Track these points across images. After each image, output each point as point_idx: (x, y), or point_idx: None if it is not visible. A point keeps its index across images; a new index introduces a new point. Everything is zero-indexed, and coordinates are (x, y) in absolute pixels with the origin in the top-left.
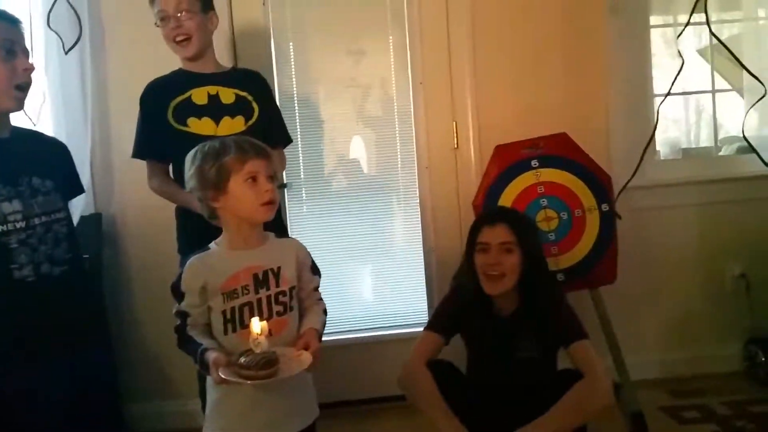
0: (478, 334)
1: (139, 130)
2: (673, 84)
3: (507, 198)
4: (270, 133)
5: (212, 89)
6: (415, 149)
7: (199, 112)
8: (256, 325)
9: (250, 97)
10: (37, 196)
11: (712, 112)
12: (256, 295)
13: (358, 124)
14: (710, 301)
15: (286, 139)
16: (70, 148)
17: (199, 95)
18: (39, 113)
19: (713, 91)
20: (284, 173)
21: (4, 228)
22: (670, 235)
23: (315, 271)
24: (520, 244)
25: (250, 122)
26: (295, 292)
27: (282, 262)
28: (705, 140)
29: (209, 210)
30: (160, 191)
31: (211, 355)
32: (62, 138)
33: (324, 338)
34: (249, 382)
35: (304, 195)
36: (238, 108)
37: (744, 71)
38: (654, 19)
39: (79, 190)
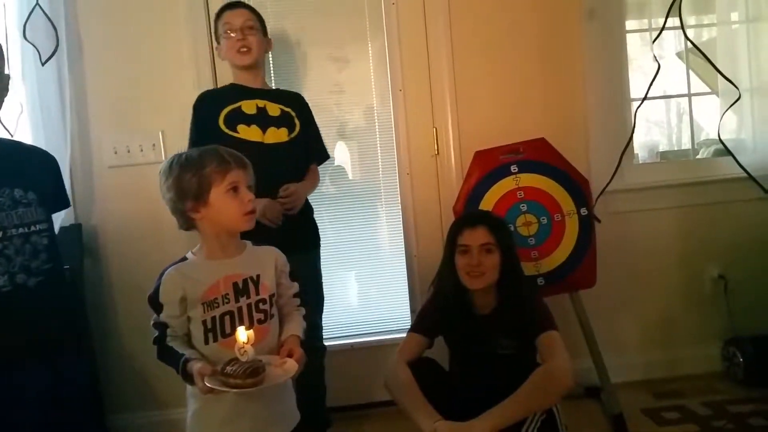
0: (459, 334)
1: (190, 134)
2: (649, 88)
3: (487, 203)
4: (309, 148)
5: (260, 102)
6: (396, 156)
7: (248, 120)
8: (243, 334)
9: (293, 113)
10: (17, 207)
11: (689, 115)
12: (237, 304)
13: (340, 131)
14: (689, 302)
15: (324, 156)
16: None
17: (249, 106)
18: (17, 124)
19: (689, 95)
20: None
21: None
22: (649, 237)
23: (293, 277)
24: (499, 244)
25: (293, 135)
26: (274, 299)
27: (261, 270)
28: (687, 143)
29: (186, 220)
30: None
31: (196, 365)
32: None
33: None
34: (236, 390)
35: None
36: (283, 121)
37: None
38: (630, 24)
39: (63, 204)
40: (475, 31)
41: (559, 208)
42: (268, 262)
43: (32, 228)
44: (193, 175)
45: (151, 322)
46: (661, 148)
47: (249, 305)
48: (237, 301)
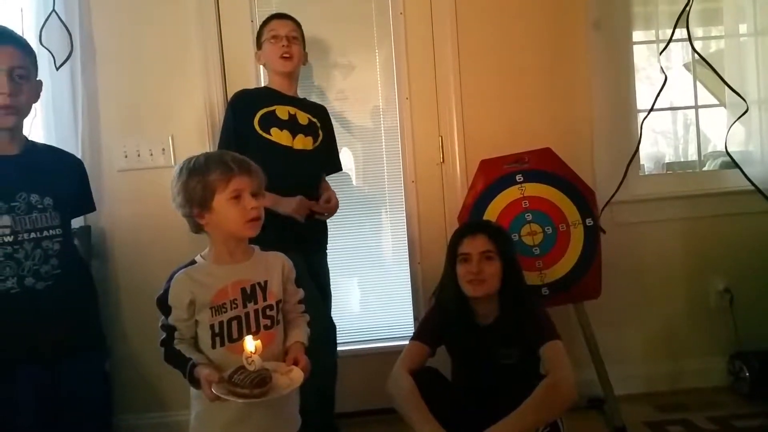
0: (461, 344)
1: (227, 128)
2: (656, 100)
3: (492, 212)
4: (327, 159)
5: (292, 109)
6: (401, 164)
7: (281, 124)
8: (250, 343)
9: (318, 124)
10: (31, 212)
11: (696, 126)
12: (244, 309)
13: (346, 137)
14: (694, 315)
15: (338, 168)
16: None
17: (282, 111)
18: (31, 127)
19: (696, 107)
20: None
21: None
22: (654, 249)
23: (299, 284)
24: (500, 252)
25: (317, 144)
26: (281, 305)
27: (268, 276)
28: (693, 154)
29: (195, 225)
30: None
31: (203, 371)
32: None
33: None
34: (243, 400)
35: None
36: (310, 129)
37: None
38: (637, 35)
39: (87, 208)
40: (481, 41)
41: (565, 218)
42: (275, 268)
43: (44, 233)
44: (198, 181)
45: (159, 324)
46: (668, 160)
47: (256, 311)
48: (245, 306)
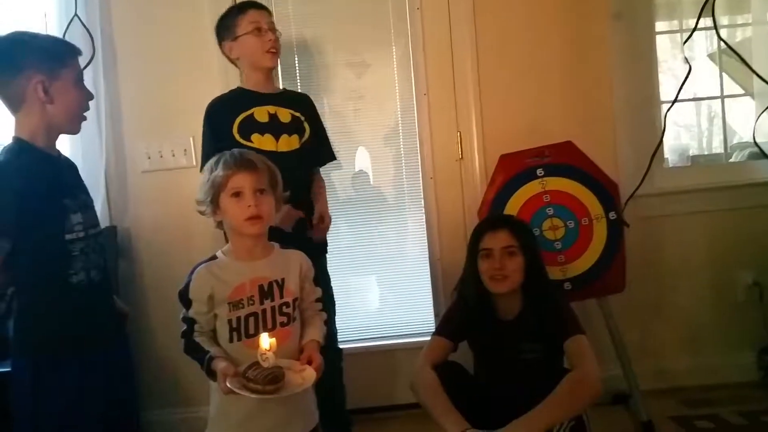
0: (483, 339)
1: (207, 145)
2: (680, 91)
3: (512, 207)
4: (318, 151)
5: (271, 109)
6: (419, 160)
7: (262, 128)
8: (266, 341)
9: (302, 118)
10: (88, 210)
11: (722, 118)
12: (261, 306)
13: (362, 136)
14: (722, 309)
15: (331, 157)
16: (85, 164)
17: (261, 113)
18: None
19: (722, 97)
20: None
21: (71, 237)
22: (680, 243)
23: (317, 282)
24: (522, 247)
25: (304, 140)
26: (297, 303)
27: (286, 274)
28: (717, 147)
29: (216, 222)
30: None
31: (220, 364)
32: (78, 154)
33: None
34: (255, 396)
35: None
36: (294, 127)
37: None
38: (660, 25)
39: None
40: (500, 34)
41: (587, 212)
42: (293, 266)
43: (97, 229)
44: (208, 179)
45: (180, 317)
46: (692, 152)
47: (273, 308)
48: (261, 303)
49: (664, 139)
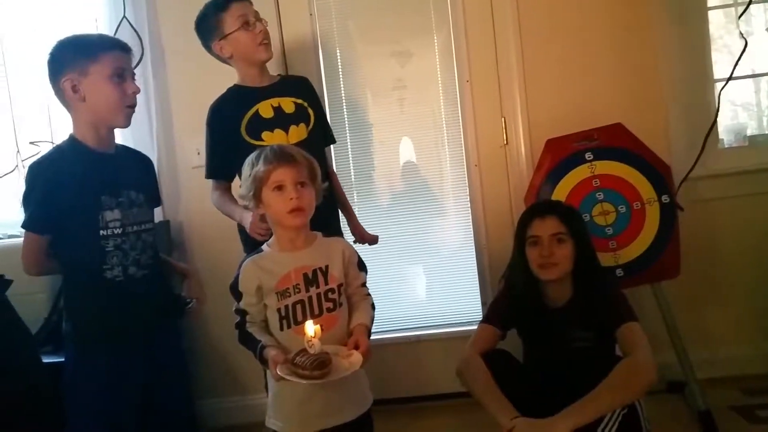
0: (532, 327)
1: (211, 151)
2: (735, 68)
3: (560, 192)
4: (323, 135)
5: (274, 101)
6: (463, 147)
7: (270, 125)
8: (311, 328)
9: (305, 104)
10: (132, 207)
11: None
12: (307, 293)
13: (405, 125)
14: None
15: (331, 140)
16: None
17: (265, 109)
18: None
19: None
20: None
21: (105, 233)
22: (736, 226)
23: (362, 267)
24: (571, 233)
25: (310, 127)
26: (343, 289)
27: (329, 261)
28: None
29: (259, 216)
30: (217, 205)
31: (271, 352)
32: None
33: (377, 336)
34: (303, 381)
35: (355, 197)
36: (299, 116)
37: None
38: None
39: (157, 202)
40: (543, 15)
41: (639, 195)
42: (336, 253)
43: (143, 226)
44: (250, 174)
45: (233, 309)
46: (749, 132)
47: (318, 295)
48: (307, 290)
49: (718, 118)
